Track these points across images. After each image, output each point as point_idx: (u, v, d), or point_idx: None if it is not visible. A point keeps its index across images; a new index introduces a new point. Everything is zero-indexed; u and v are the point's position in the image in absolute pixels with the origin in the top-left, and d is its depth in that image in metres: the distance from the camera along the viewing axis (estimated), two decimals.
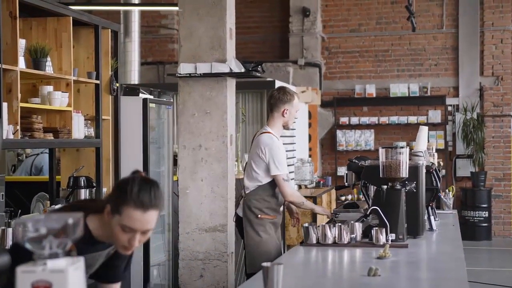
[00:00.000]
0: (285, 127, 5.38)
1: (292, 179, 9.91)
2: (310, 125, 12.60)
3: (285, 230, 8.57)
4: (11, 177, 8.71)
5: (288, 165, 9.01)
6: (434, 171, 5.34)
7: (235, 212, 5.45)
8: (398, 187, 4.63)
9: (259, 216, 5.22)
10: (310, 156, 12.31)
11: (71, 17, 5.32)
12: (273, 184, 5.26)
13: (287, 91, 5.37)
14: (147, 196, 2.61)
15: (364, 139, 13.20)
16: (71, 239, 1.88)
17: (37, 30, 5.33)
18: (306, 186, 10.54)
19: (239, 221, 5.38)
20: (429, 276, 3.78)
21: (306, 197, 8.99)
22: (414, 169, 4.80)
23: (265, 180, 5.22)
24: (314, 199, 9.30)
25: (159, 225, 6.79)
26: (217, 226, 5.86)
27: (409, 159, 5.29)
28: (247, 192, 5.27)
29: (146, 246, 6.43)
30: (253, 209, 5.23)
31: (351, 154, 12.61)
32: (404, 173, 4.62)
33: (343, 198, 12.20)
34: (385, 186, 4.62)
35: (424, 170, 4.99)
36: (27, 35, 5.28)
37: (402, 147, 4.68)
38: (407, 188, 4.70)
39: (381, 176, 4.65)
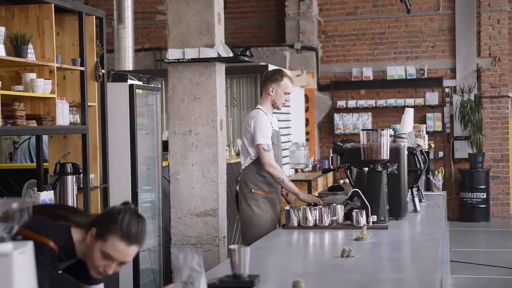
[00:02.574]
0: (274, 106, 5.44)
1: (287, 163, 9.92)
2: (307, 109, 12.59)
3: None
4: (7, 164, 8.75)
5: (283, 149, 9.10)
6: (418, 153, 5.34)
7: (236, 189, 5.53)
8: (379, 169, 4.65)
9: (252, 190, 5.31)
10: (308, 140, 12.32)
11: (52, 4, 5.30)
12: None
13: (277, 72, 5.49)
14: (135, 229, 2.68)
15: (362, 122, 13.19)
16: (18, 224, 1.90)
17: (19, 18, 5.32)
18: (302, 170, 10.54)
19: (237, 196, 5.46)
20: (401, 257, 3.80)
21: (301, 181, 9.13)
22: (395, 151, 4.82)
23: (253, 152, 5.31)
24: (309, 182, 9.31)
25: (150, 210, 6.82)
26: (209, 210, 5.90)
27: (393, 141, 5.31)
28: (242, 168, 5.40)
29: None
30: (248, 184, 5.34)
31: (349, 137, 12.58)
32: (385, 155, 4.64)
33: (341, 181, 12.17)
34: (366, 168, 4.64)
35: (406, 152, 4.98)
36: (9, 22, 5.28)
37: (383, 129, 4.68)
38: (389, 170, 4.71)
39: (362, 158, 4.67)
